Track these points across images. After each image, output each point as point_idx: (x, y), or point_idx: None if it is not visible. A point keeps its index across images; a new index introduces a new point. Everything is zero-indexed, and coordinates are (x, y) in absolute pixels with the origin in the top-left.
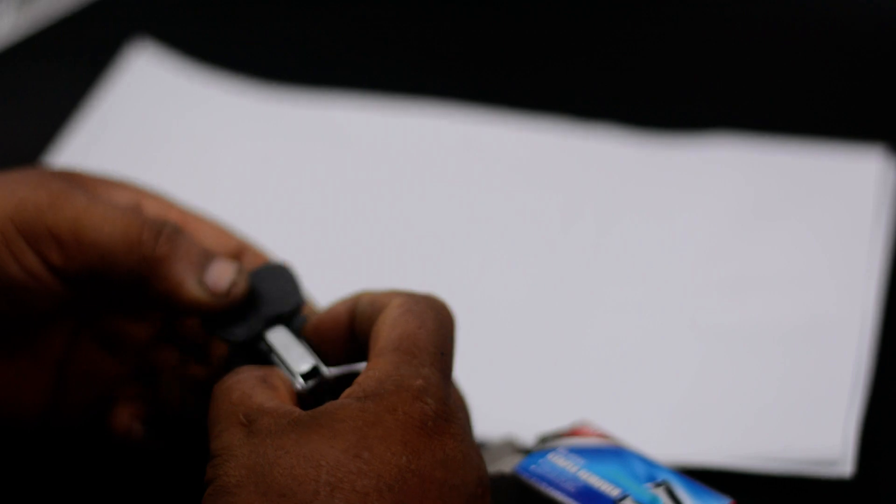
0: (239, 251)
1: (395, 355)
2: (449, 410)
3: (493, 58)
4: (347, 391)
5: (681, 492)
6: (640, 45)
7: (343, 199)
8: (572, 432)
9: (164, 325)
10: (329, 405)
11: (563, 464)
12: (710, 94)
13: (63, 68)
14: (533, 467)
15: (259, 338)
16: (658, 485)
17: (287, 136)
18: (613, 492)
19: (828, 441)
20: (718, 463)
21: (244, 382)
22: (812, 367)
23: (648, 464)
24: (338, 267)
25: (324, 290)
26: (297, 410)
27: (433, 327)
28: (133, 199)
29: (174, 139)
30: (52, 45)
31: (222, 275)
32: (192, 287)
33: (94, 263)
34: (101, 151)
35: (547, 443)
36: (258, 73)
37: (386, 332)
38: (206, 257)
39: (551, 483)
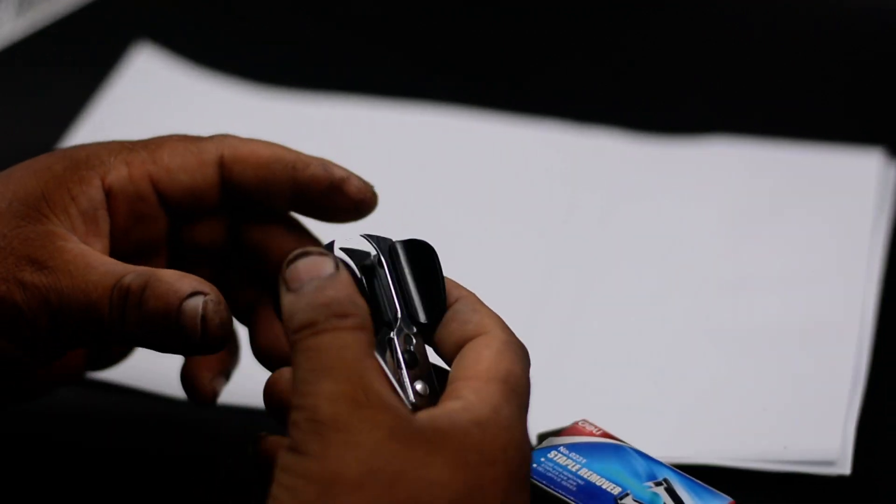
0: (218, 158)
1: (504, 388)
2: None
3: (492, 61)
4: (462, 406)
5: (681, 490)
6: (640, 49)
7: None
8: (573, 430)
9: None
10: (448, 421)
11: (563, 462)
12: (711, 98)
13: (63, 69)
14: (534, 465)
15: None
16: (658, 483)
17: (286, 134)
18: (614, 490)
19: (827, 442)
20: (718, 463)
21: (360, 343)
22: (812, 368)
23: (649, 462)
24: None
25: None
26: (414, 417)
27: (527, 376)
28: (124, 174)
29: None
30: (51, 46)
31: (192, 322)
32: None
33: (78, 342)
34: None
35: (548, 441)
36: (257, 74)
37: (493, 360)
38: (175, 306)
39: (552, 481)
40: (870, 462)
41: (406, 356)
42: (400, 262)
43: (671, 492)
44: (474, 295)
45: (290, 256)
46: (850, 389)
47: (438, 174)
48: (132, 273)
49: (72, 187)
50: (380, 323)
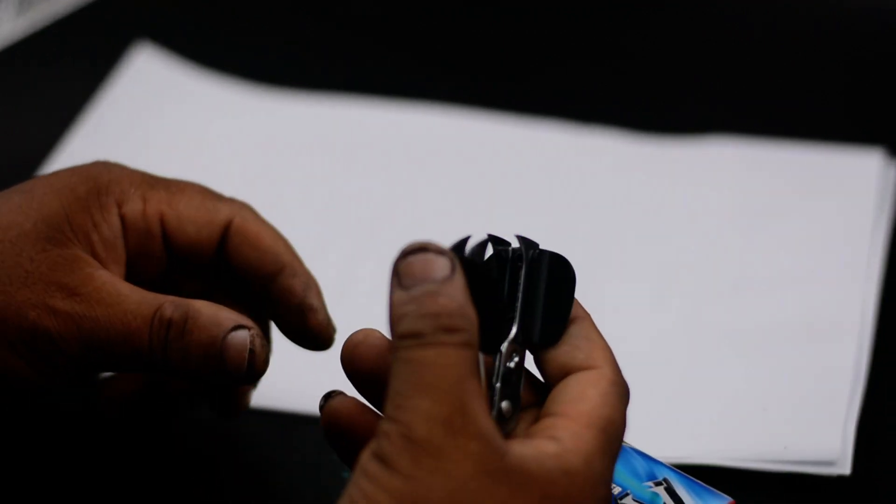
0: (227, 222)
1: (601, 438)
2: None
3: (492, 61)
4: (555, 451)
5: (681, 490)
6: (640, 49)
7: (344, 195)
8: None
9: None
10: (537, 465)
11: None
12: (711, 98)
13: (63, 69)
14: None
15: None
16: (658, 483)
17: (286, 134)
18: (614, 490)
19: (827, 442)
20: (718, 463)
21: (464, 363)
22: (812, 368)
23: (649, 462)
24: (337, 263)
25: (324, 286)
26: (505, 448)
27: (625, 419)
28: (139, 209)
29: (174, 139)
30: (51, 46)
31: (240, 353)
32: (213, 377)
33: (107, 369)
34: (101, 152)
35: None
36: (257, 74)
37: (596, 403)
38: (219, 338)
39: None
40: (870, 462)
41: (504, 371)
42: (538, 273)
43: (671, 492)
44: (591, 319)
45: (407, 248)
46: (850, 389)
47: (438, 174)
48: (169, 303)
49: (94, 213)
50: (496, 322)
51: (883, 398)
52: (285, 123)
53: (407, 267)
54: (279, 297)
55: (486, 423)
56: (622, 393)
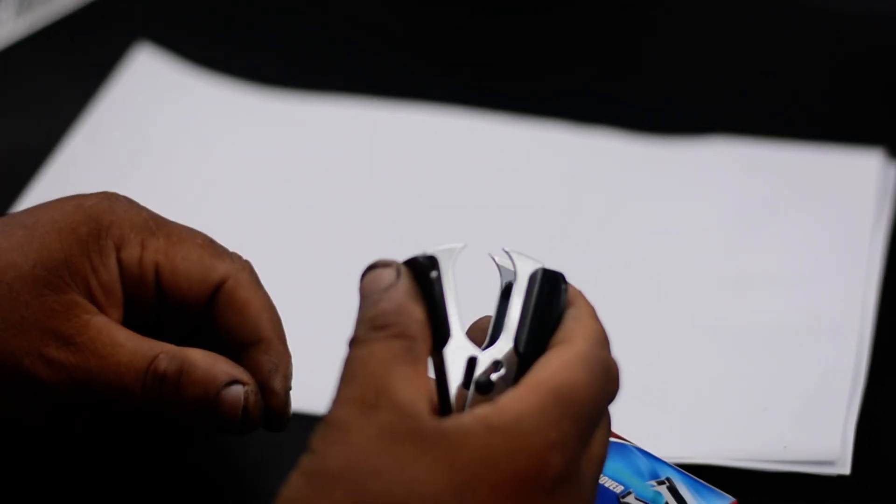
0: (220, 282)
1: (548, 398)
2: (573, 473)
3: (493, 63)
4: (487, 411)
5: (684, 489)
6: (640, 49)
7: (344, 195)
8: None
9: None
10: (456, 423)
11: None
12: (711, 98)
13: (63, 69)
14: None
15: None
16: (661, 482)
17: (286, 134)
18: (616, 488)
19: (827, 442)
20: (718, 463)
21: (390, 351)
22: (812, 368)
23: (652, 461)
24: (337, 264)
25: (325, 286)
26: (424, 414)
27: (597, 392)
28: (136, 255)
29: (174, 139)
30: (51, 46)
31: (234, 409)
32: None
33: (101, 417)
34: (101, 152)
35: None
36: (257, 74)
37: (555, 370)
38: (213, 393)
39: None
40: (870, 462)
41: (471, 377)
42: (530, 289)
43: (673, 490)
44: (584, 302)
45: (364, 269)
46: (850, 389)
47: (439, 174)
48: (164, 354)
49: (93, 257)
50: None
51: (883, 398)
52: (285, 123)
53: (362, 286)
54: (247, 367)
55: (407, 395)
56: (593, 365)
